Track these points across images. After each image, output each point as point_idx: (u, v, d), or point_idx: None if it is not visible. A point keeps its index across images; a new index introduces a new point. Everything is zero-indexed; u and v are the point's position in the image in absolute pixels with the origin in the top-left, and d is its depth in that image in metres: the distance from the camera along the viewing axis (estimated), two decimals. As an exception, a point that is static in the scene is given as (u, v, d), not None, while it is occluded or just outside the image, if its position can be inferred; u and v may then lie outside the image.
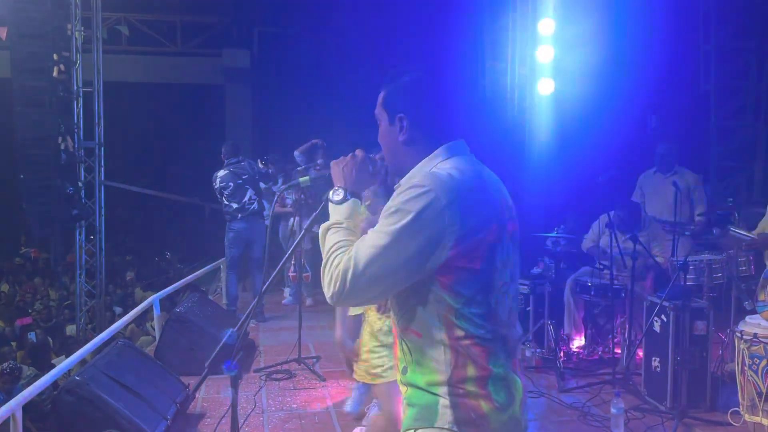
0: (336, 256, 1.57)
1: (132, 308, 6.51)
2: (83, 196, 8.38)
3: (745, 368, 3.70)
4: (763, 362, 3.55)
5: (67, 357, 5.22)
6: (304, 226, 7.34)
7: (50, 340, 8.82)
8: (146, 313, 7.29)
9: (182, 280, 7.29)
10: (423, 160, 1.66)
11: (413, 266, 1.53)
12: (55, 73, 7.86)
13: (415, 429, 1.61)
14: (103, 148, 8.64)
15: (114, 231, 12.29)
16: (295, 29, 12.60)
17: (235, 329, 1.70)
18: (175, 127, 14.18)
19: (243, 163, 6.99)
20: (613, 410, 3.96)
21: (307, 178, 2.00)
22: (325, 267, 1.59)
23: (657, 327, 4.38)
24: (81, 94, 8.42)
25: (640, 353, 4.67)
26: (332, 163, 1.77)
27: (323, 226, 1.69)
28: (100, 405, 3.57)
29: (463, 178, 1.59)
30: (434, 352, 1.58)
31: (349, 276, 1.53)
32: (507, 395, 1.59)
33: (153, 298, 5.98)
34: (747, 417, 3.74)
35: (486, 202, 1.61)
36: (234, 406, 1.72)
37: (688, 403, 4.13)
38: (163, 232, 14.60)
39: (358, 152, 1.76)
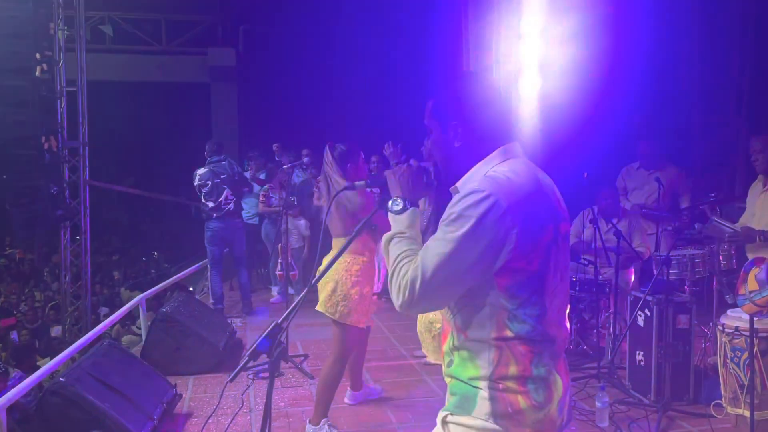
0: (402, 266, 1.62)
1: (119, 308, 6.48)
2: (68, 196, 8.31)
3: (727, 361, 3.74)
4: (745, 355, 3.59)
5: (52, 358, 5.18)
6: (292, 227, 7.35)
7: (36, 341, 8.77)
8: (133, 314, 7.26)
9: (168, 280, 7.27)
10: (479, 164, 1.69)
11: (478, 271, 1.57)
12: (37, 73, 7.80)
13: (452, 414, 1.66)
14: (87, 148, 8.57)
15: (100, 231, 12.22)
16: (280, 27, 12.56)
17: (279, 320, 1.72)
18: (160, 126, 14.11)
19: (224, 162, 6.99)
20: (598, 404, 4.00)
21: (362, 182, 2.00)
22: (392, 277, 1.64)
23: (641, 321, 4.43)
24: (64, 94, 8.34)
25: (626, 347, 4.72)
26: (387, 173, 1.82)
27: (386, 236, 1.73)
28: (86, 406, 3.55)
29: (520, 181, 1.62)
30: (480, 351, 1.63)
31: (418, 285, 1.57)
32: (546, 394, 1.62)
33: (139, 297, 5.96)
34: (729, 409, 3.79)
35: (542, 204, 1.64)
36: (268, 399, 1.74)
37: (672, 396, 4.18)
38: (150, 232, 14.54)
39: (413, 162, 1.81)
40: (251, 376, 5.07)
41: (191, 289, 9.06)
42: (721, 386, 3.84)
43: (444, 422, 1.68)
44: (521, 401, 1.60)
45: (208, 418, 4.13)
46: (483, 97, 1.72)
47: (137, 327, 8.15)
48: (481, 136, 1.70)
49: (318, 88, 11.36)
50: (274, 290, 7.91)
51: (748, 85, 8.24)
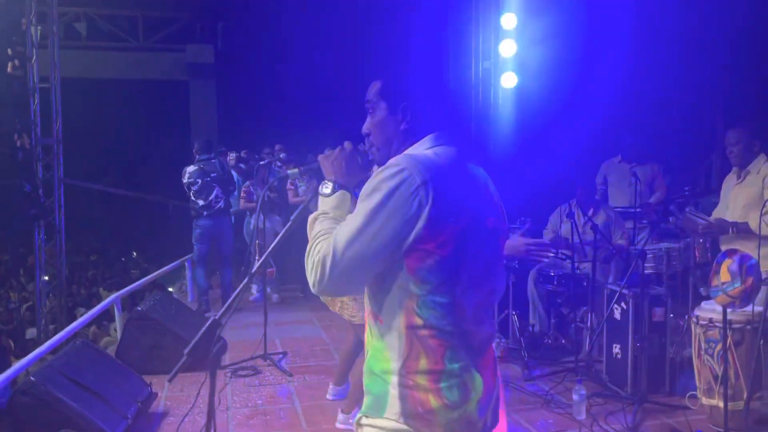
0: (318, 243, 1.57)
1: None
2: (42, 194, 8.18)
3: (702, 352, 3.78)
4: (719, 346, 3.62)
5: (26, 360, 5.09)
6: (269, 224, 7.30)
7: (11, 343, 8.62)
8: (112, 316, 7.14)
9: (143, 279, 7.19)
10: (411, 147, 1.68)
11: (388, 247, 1.52)
12: (9, 69, 7.66)
13: (367, 416, 1.62)
14: (61, 146, 8.44)
15: (77, 230, 12.05)
16: (259, 24, 12.48)
17: (217, 315, 1.67)
18: (138, 123, 13.96)
19: (213, 160, 7.02)
20: (575, 397, 4.02)
21: (296, 170, 1.93)
22: (308, 255, 1.57)
23: (617, 314, 4.45)
24: (37, 90, 8.21)
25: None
26: (320, 157, 1.76)
27: (311, 217, 1.68)
28: (57, 406, 3.49)
29: (441, 162, 1.59)
30: (391, 340, 1.58)
31: (329, 262, 1.51)
32: (461, 393, 1.55)
33: (114, 296, 5.87)
34: (704, 400, 3.82)
35: (462, 189, 1.59)
36: (211, 398, 1.69)
37: (648, 388, 4.21)
38: (128, 231, 14.35)
39: (347, 144, 1.75)
40: (229, 374, 5.04)
41: (170, 289, 8.96)
42: (696, 378, 3.87)
43: (359, 425, 1.65)
44: (432, 400, 1.54)
45: (184, 417, 4.08)
46: (434, 82, 1.72)
47: (115, 329, 8.05)
48: (426, 121, 1.69)
49: (297, 85, 11.32)
50: (253, 288, 7.86)
51: (725, 81, 8.35)
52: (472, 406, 1.56)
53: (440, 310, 1.55)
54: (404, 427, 1.54)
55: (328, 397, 4.43)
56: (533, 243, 2.46)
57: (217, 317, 1.67)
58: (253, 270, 1.86)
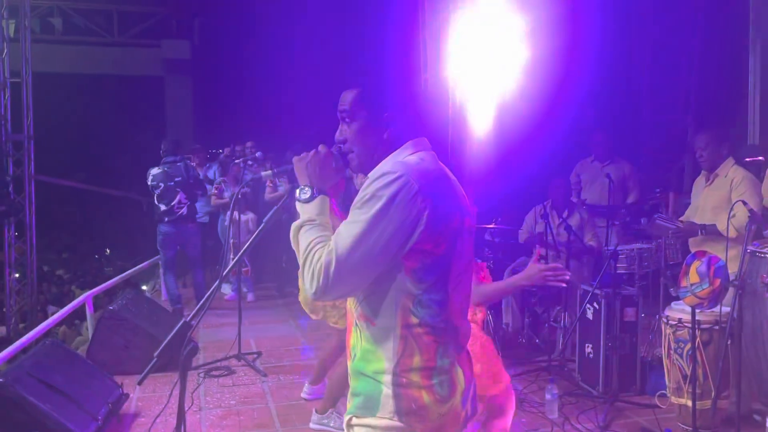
0: (315, 252, 1.58)
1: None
2: (12, 191, 8.01)
3: (671, 352, 3.83)
4: (688, 346, 3.68)
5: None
6: (243, 219, 7.24)
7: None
8: (82, 314, 7.04)
9: (116, 278, 7.08)
10: (392, 154, 1.71)
11: (391, 251, 1.56)
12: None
13: (357, 416, 1.64)
14: (32, 141, 8.28)
15: (49, 228, 11.85)
16: (236, 20, 12.39)
17: (188, 318, 1.65)
18: (112, 120, 13.76)
19: (179, 164, 6.71)
20: (547, 396, 4.06)
21: (269, 172, 1.90)
22: (305, 264, 1.59)
23: (590, 314, 4.51)
24: (8, 85, 8.04)
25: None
26: (295, 160, 1.75)
27: (294, 225, 1.67)
28: (26, 407, 3.43)
29: (430, 167, 1.67)
30: (385, 340, 1.61)
31: (332, 269, 1.53)
32: (449, 388, 1.62)
33: (86, 295, 5.78)
34: (673, 399, 3.88)
35: (450, 191, 1.68)
36: (181, 399, 1.67)
37: (619, 387, 4.27)
38: (101, 229, 14.16)
39: (321, 148, 1.74)
40: (202, 375, 4.99)
41: (144, 287, 8.86)
42: (666, 377, 3.93)
43: (348, 425, 1.66)
44: (425, 396, 1.59)
45: (156, 418, 4.02)
46: (412, 91, 1.78)
47: (87, 328, 7.93)
48: (407, 129, 1.73)
49: (275, 82, 11.25)
50: (227, 287, 7.80)
51: (696, 85, 8.48)
52: (458, 399, 1.64)
53: (435, 308, 1.61)
54: (398, 424, 1.58)
55: (304, 395, 4.42)
56: (549, 269, 2.49)
57: (188, 319, 1.65)
58: (225, 272, 1.83)
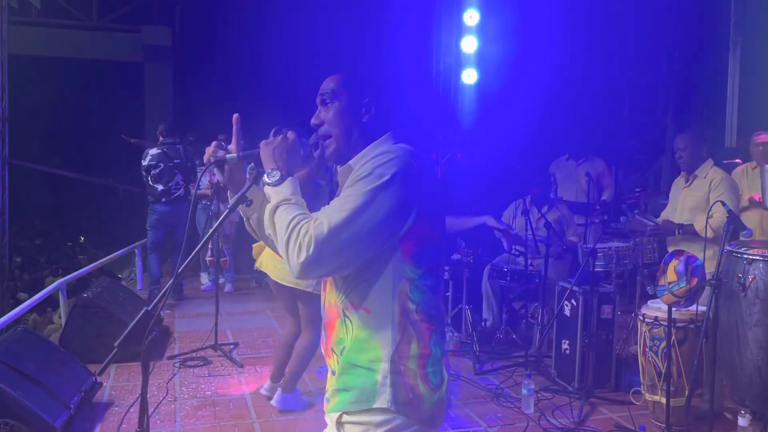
0: (302, 226, 1.50)
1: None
2: (-15, 175, 7.84)
3: (647, 350, 3.88)
4: (663, 344, 3.73)
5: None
6: (224, 209, 7.17)
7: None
8: (55, 302, 6.91)
9: (90, 265, 6.97)
10: (373, 143, 1.68)
11: (386, 231, 1.53)
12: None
13: (349, 413, 1.59)
14: (8, 125, 8.10)
15: (23, 213, 11.62)
16: (218, 7, 12.22)
17: (150, 307, 1.59)
18: (90, 105, 13.50)
19: (178, 146, 6.84)
20: (524, 391, 4.08)
21: (234, 155, 1.79)
22: (289, 238, 1.49)
23: (567, 311, 4.54)
24: (-17, 66, 7.86)
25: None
26: (262, 144, 1.69)
27: (268, 207, 1.60)
28: (-4, 394, 3.36)
29: (422, 154, 1.66)
30: (382, 327, 1.58)
31: (323, 239, 1.46)
32: (440, 377, 1.63)
33: (59, 282, 5.67)
34: (647, 396, 3.93)
35: (436, 178, 1.75)
36: (144, 390, 1.62)
37: (594, 383, 4.32)
38: (75, 215, 13.90)
39: (290, 134, 1.69)
40: (177, 364, 4.94)
41: (120, 276, 8.73)
42: (641, 374, 3.98)
43: (339, 423, 1.61)
44: (420, 386, 1.59)
45: (130, 407, 3.98)
46: (396, 79, 1.84)
47: (60, 316, 7.80)
48: (386, 117, 1.73)
49: (255, 70, 11.14)
50: (204, 277, 7.73)
51: (675, 86, 8.59)
52: (445, 387, 1.67)
53: (429, 294, 1.62)
54: (394, 415, 1.56)
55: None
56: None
57: (149, 308, 1.59)
58: (184, 263, 1.71)
